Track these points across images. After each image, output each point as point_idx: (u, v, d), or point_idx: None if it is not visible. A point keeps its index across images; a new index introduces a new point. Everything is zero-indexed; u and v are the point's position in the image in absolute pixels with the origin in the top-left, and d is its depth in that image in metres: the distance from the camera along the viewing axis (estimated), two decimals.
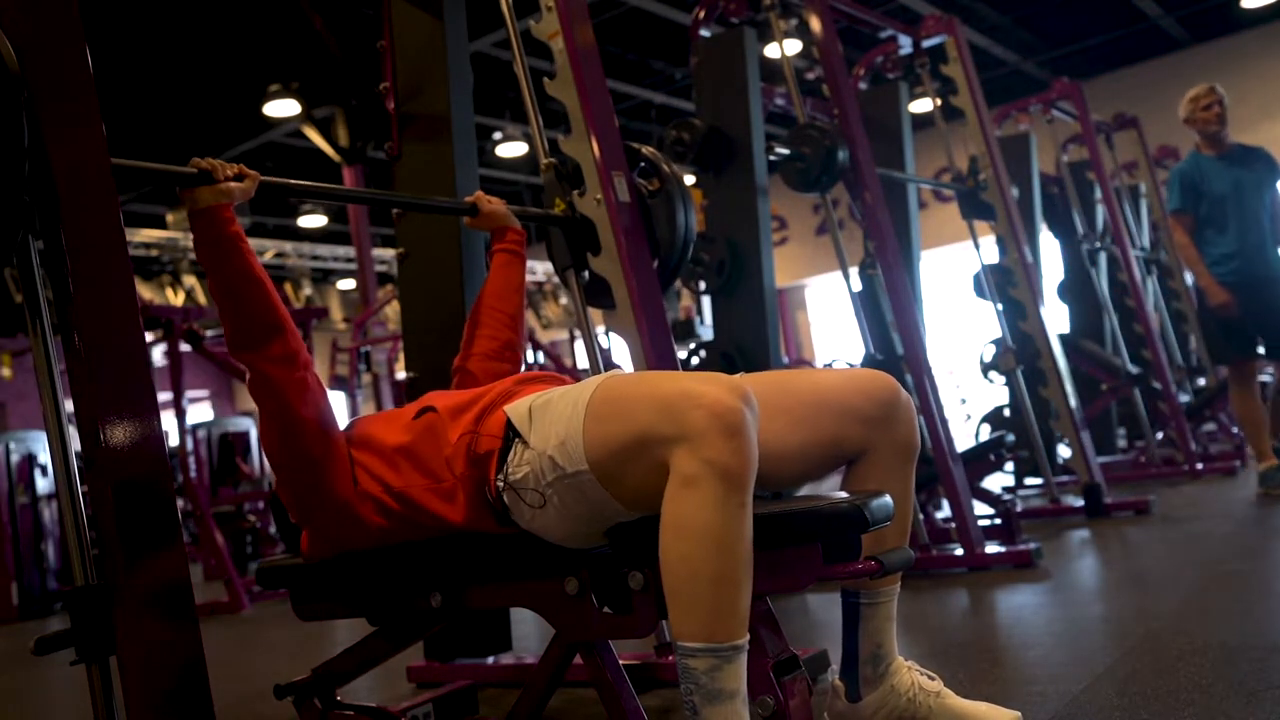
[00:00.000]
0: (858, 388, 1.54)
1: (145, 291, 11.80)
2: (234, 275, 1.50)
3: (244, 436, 7.65)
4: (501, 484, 1.40)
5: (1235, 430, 6.50)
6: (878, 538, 1.51)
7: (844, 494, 1.47)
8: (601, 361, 2.40)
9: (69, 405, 1.38)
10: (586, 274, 2.40)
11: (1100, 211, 6.63)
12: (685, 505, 1.23)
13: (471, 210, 2.11)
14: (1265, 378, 6.85)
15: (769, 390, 1.52)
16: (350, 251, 13.05)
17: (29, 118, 1.37)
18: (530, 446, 1.37)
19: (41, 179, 1.38)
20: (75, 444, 1.39)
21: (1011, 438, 4.14)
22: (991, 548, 3.53)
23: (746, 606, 1.26)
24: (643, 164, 2.48)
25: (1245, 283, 4.44)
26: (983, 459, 4.04)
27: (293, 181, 1.84)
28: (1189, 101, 4.65)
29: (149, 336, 5.29)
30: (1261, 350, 4.52)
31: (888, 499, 1.38)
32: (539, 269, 14.68)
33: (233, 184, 1.57)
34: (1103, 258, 6.43)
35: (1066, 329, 6.74)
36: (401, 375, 5.62)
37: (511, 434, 1.41)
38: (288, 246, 13.45)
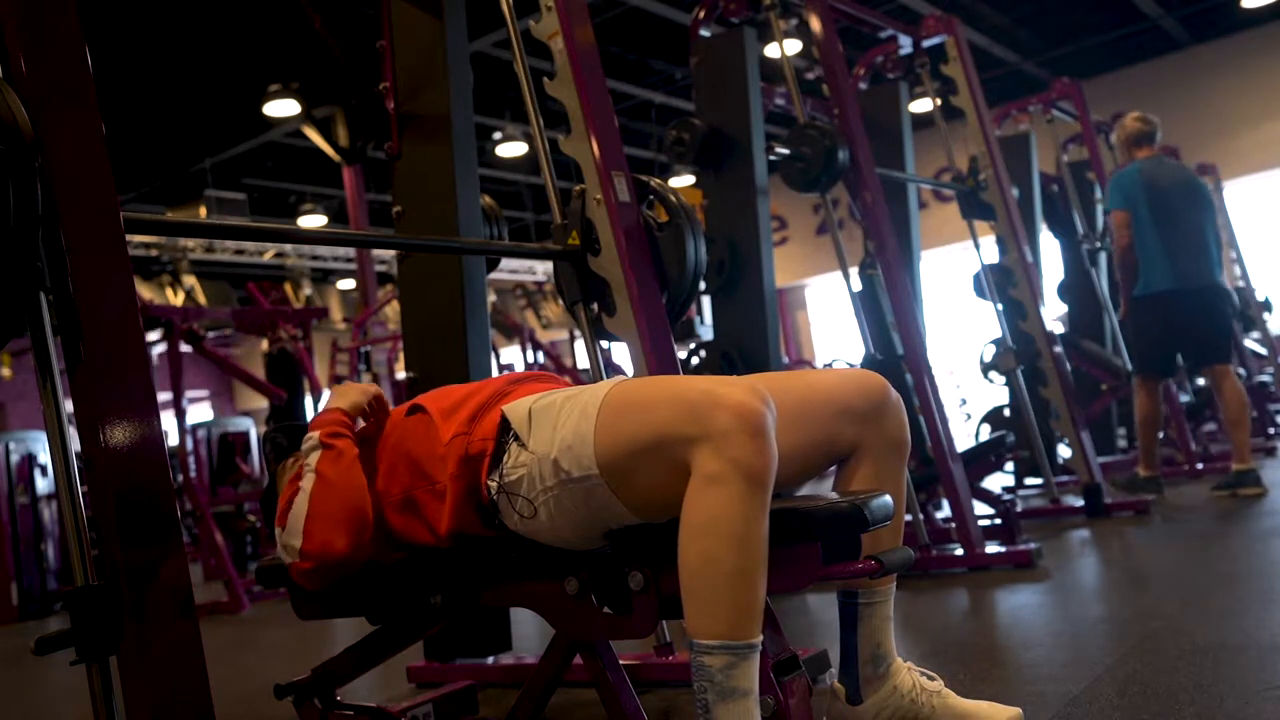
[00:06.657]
0: (850, 384, 1.57)
1: (145, 291, 11.80)
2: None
3: (244, 436, 7.65)
4: (495, 486, 1.40)
5: None
6: (873, 535, 1.52)
7: (843, 493, 1.47)
8: (602, 364, 2.40)
9: (69, 405, 1.38)
10: (595, 307, 2.40)
11: (1100, 211, 6.62)
12: (709, 503, 1.23)
13: None
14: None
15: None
16: (350, 251, 13.04)
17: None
18: (529, 450, 1.37)
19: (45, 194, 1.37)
20: (75, 444, 1.39)
21: (1011, 438, 4.14)
22: (991, 548, 3.53)
23: (762, 606, 1.26)
24: (651, 196, 2.47)
25: None
26: (983, 459, 4.04)
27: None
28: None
29: (149, 336, 5.29)
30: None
31: (887, 499, 1.38)
32: (539, 269, 14.67)
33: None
34: (1103, 258, 6.42)
35: (1061, 329, 6.73)
36: (401, 375, 5.62)
37: (507, 435, 1.41)
38: (288, 246, 13.43)
